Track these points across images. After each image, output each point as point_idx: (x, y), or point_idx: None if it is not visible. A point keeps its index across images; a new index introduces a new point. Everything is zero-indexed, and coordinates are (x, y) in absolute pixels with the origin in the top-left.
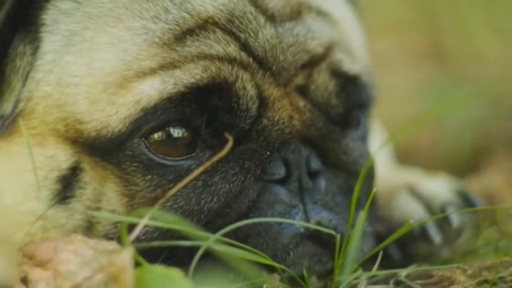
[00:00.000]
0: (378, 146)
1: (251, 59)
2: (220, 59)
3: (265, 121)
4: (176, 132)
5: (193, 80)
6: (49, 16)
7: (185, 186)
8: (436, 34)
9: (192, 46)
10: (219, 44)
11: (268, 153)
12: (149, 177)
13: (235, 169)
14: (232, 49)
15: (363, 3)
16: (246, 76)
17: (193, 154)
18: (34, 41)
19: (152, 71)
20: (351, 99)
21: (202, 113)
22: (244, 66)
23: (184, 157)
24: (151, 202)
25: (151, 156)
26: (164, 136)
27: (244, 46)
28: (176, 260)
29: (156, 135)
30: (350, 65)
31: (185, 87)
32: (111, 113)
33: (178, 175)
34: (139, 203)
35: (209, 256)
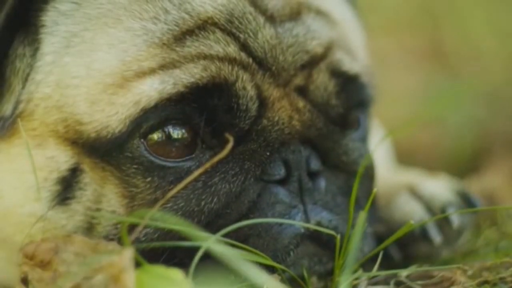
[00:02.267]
0: (376, 144)
1: (250, 60)
2: (220, 59)
3: (265, 121)
4: (176, 133)
5: (192, 80)
6: (49, 17)
7: (185, 187)
8: (436, 34)
9: (192, 47)
10: (218, 45)
11: (268, 153)
12: (149, 179)
13: (235, 169)
14: (232, 50)
15: (362, 3)
16: (246, 76)
17: (193, 155)
18: (34, 43)
19: (152, 72)
20: (351, 99)
21: (202, 113)
22: (244, 67)
23: (184, 158)
24: (151, 204)
25: (151, 158)
26: (164, 137)
27: (244, 47)
28: (177, 261)
29: (155, 136)
30: (350, 65)
31: (185, 86)
32: (111, 113)
33: (178, 176)
34: (139, 204)
35: (209, 257)
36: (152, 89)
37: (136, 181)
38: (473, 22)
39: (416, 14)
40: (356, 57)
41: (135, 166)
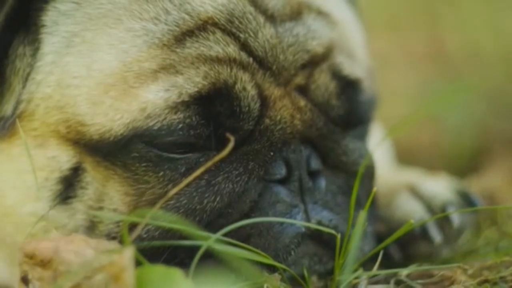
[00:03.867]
0: (376, 143)
1: (251, 59)
2: (220, 60)
3: (267, 120)
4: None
5: (196, 89)
6: (49, 17)
7: (188, 185)
8: (436, 34)
9: (192, 48)
10: (218, 45)
11: (272, 153)
12: (161, 173)
13: (239, 169)
14: (232, 50)
15: (362, 3)
16: (245, 77)
17: (198, 150)
18: (34, 43)
19: (153, 73)
20: (352, 102)
21: (207, 121)
22: (244, 67)
23: (190, 151)
24: (161, 198)
25: (159, 152)
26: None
27: (244, 46)
28: (178, 261)
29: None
30: (351, 69)
31: (190, 96)
32: (115, 118)
33: (189, 167)
34: (148, 199)
35: (210, 257)
36: (157, 97)
37: (147, 178)
38: (473, 22)
39: (417, 14)
40: (357, 60)
41: (144, 164)
